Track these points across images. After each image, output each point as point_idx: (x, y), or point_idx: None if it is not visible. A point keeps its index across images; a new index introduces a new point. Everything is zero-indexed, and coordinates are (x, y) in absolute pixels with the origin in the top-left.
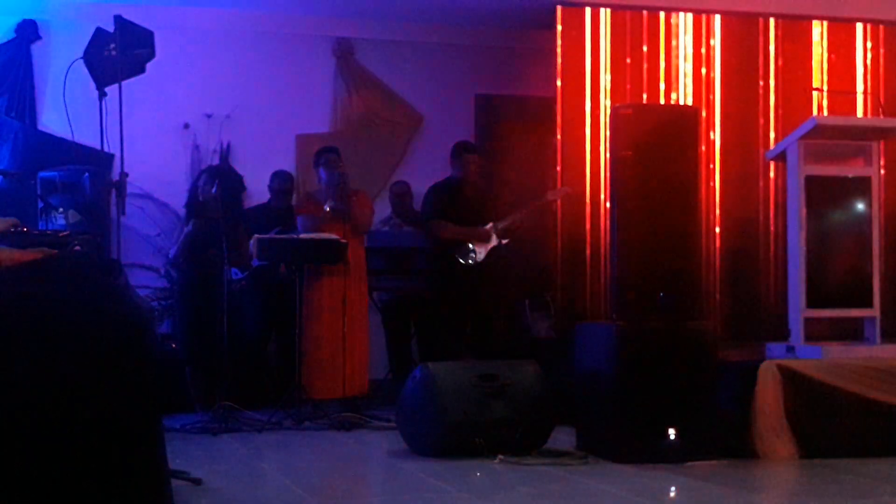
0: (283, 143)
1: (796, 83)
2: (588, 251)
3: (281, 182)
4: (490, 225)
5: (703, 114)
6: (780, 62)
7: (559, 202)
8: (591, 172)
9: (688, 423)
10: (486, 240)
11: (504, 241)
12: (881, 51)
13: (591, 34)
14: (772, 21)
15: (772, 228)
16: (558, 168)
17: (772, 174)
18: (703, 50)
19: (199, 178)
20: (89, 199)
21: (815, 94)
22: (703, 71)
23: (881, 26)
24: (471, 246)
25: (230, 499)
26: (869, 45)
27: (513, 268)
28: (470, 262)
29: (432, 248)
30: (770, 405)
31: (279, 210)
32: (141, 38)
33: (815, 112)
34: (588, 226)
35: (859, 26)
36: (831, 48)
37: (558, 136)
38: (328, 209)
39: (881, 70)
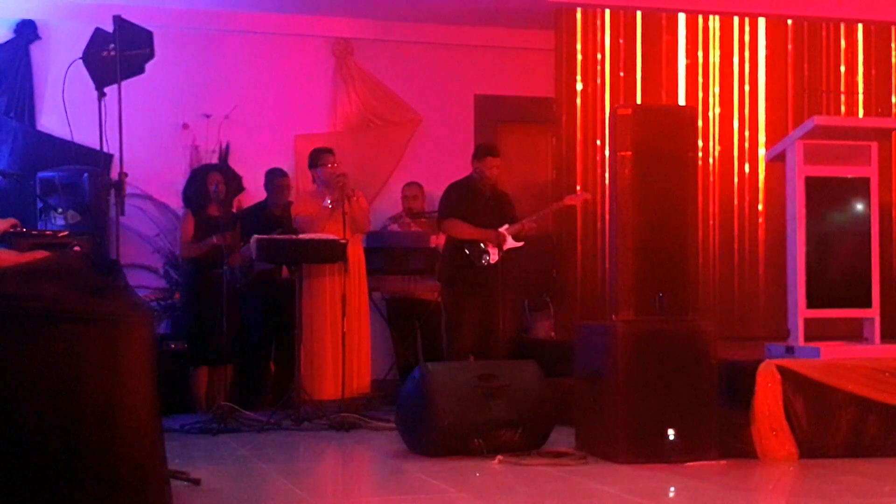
0: (281, 144)
1: (795, 84)
2: (587, 251)
3: (279, 179)
4: (505, 227)
5: (701, 114)
6: (778, 63)
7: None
8: (589, 172)
9: (687, 423)
10: (501, 242)
11: (518, 244)
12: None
13: (590, 35)
14: (771, 22)
15: (771, 229)
16: (565, 168)
17: (770, 175)
18: (701, 51)
19: (201, 175)
20: (88, 199)
21: (814, 94)
22: (701, 71)
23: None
24: (484, 247)
25: (229, 499)
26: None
27: (518, 269)
28: (483, 262)
29: (446, 246)
30: (769, 405)
31: (277, 209)
32: (140, 39)
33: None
34: (587, 226)
35: (860, 27)
36: (832, 49)
37: (558, 136)
38: (328, 205)
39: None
